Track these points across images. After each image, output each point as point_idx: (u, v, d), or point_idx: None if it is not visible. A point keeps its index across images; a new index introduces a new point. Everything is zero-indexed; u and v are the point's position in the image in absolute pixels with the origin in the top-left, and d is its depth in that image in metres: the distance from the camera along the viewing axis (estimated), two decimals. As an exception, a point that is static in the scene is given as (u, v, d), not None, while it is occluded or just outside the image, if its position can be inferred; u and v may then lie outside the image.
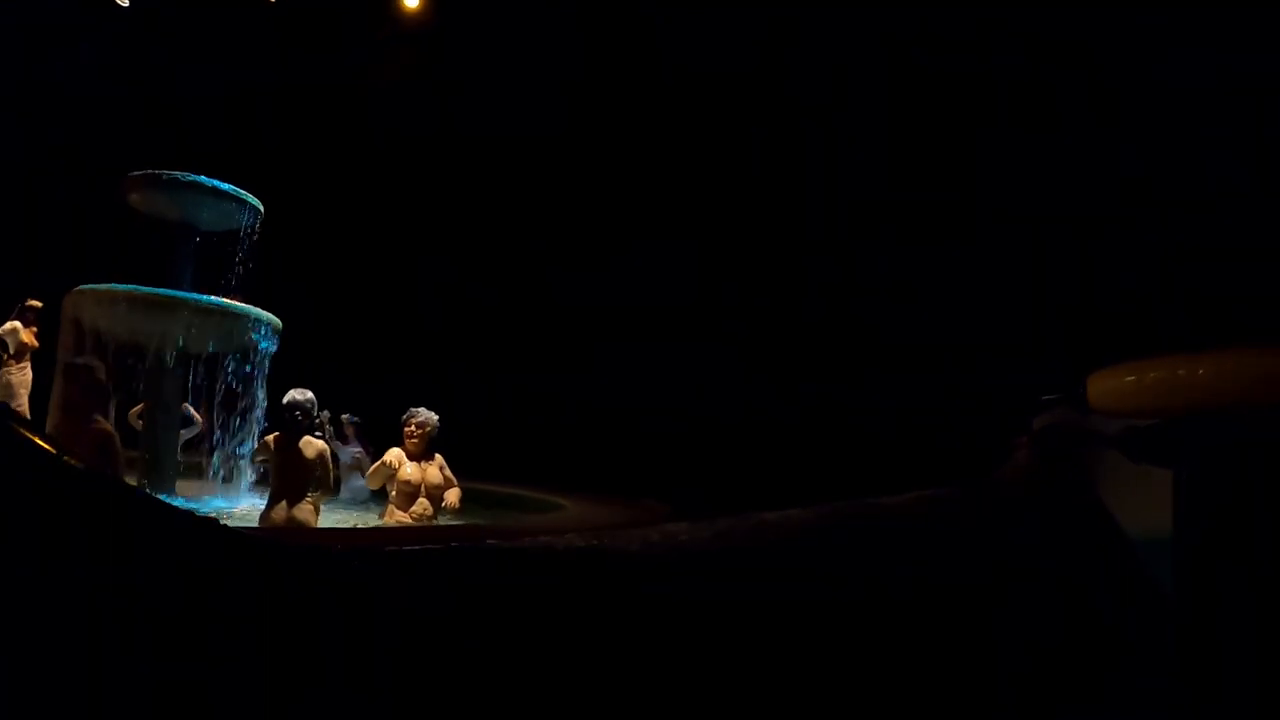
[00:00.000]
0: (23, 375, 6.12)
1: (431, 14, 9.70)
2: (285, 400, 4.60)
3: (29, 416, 5.91)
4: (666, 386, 9.11)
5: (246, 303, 5.86)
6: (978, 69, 7.52)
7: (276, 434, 4.66)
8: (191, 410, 6.17)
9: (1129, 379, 1.75)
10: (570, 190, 10.29)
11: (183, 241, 6.05)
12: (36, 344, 6.31)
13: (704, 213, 9.48)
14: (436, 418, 4.94)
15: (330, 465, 4.67)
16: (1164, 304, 5.88)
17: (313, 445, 4.55)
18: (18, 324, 6.25)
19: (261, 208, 6.27)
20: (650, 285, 9.67)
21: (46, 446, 1.18)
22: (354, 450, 6.65)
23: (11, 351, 5.96)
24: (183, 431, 6.05)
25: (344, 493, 6.37)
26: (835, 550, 1.79)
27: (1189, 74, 6.22)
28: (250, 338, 5.78)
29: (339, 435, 6.55)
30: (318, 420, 4.85)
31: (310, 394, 4.73)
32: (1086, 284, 6.84)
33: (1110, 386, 1.82)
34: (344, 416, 6.70)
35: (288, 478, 4.47)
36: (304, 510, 4.41)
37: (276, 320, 5.96)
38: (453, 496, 4.76)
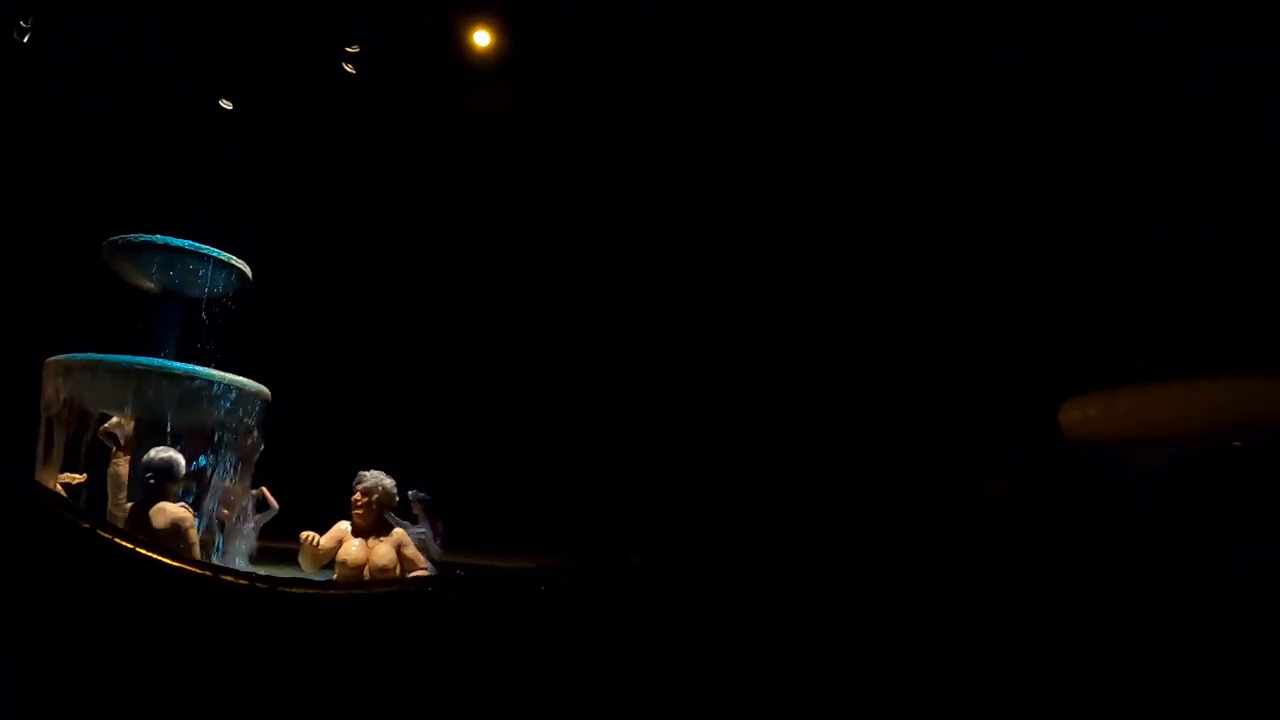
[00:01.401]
0: (129, 468, 5.95)
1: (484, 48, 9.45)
2: (143, 460, 4.09)
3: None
4: (667, 389, 9.12)
5: (244, 369, 5.52)
6: (978, 69, 7.52)
7: (132, 502, 4.14)
8: (266, 493, 5.76)
9: (1104, 407, 1.74)
10: (568, 197, 10.30)
11: (165, 304, 5.79)
12: None
13: (699, 214, 9.48)
14: (391, 482, 4.02)
15: (190, 537, 4.02)
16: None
17: (165, 513, 3.90)
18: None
19: (248, 270, 5.95)
20: (646, 286, 9.68)
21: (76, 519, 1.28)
22: (418, 531, 5.85)
23: (121, 444, 5.82)
24: (258, 515, 5.57)
25: None
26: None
27: (1189, 74, 6.21)
28: (221, 406, 5.33)
29: (407, 515, 5.95)
30: None
31: (171, 453, 4.16)
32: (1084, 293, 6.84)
33: (1085, 414, 1.81)
34: (410, 493, 6.06)
35: None
36: None
37: (250, 385, 5.50)
38: None
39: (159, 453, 4.13)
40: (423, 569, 3.95)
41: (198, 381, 5.27)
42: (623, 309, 9.88)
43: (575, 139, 10.09)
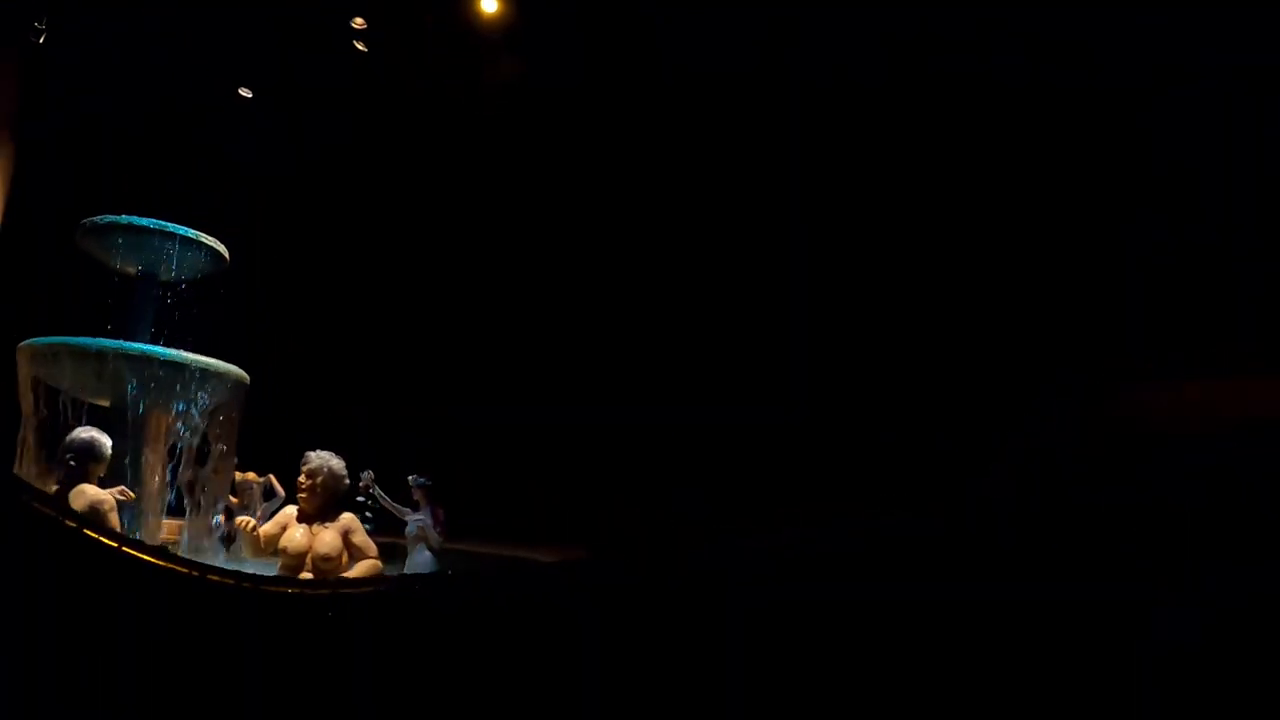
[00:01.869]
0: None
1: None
2: (65, 440, 3.85)
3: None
4: (667, 388, 9.12)
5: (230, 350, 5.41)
6: (978, 69, 7.51)
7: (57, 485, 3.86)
8: (274, 481, 5.68)
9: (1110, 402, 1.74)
10: (568, 197, 10.29)
11: (142, 286, 5.70)
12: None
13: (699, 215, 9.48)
14: (338, 463, 3.69)
15: (110, 522, 3.76)
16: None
17: (84, 496, 3.60)
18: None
19: (223, 249, 5.80)
20: (643, 284, 9.67)
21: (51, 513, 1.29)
22: (418, 518, 5.84)
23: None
24: (265, 504, 5.50)
25: (407, 568, 5.51)
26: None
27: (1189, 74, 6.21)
28: (191, 388, 5.11)
29: (407, 501, 5.95)
30: (362, 484, 3.86)
31: (94, 433, 3.89)
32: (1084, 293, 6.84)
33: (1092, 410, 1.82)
34: (411, 478, 6.01)
35: None
36: None
37: (222, 366, 5.30)
38: (360, 572, 3.47)
39: (81, 432, 3.90)
40: (373, 558, 3.61)
41: (159, 362, 5.04)
42: (622, 308, 9.87)
43: (575, 139, 10.09)
